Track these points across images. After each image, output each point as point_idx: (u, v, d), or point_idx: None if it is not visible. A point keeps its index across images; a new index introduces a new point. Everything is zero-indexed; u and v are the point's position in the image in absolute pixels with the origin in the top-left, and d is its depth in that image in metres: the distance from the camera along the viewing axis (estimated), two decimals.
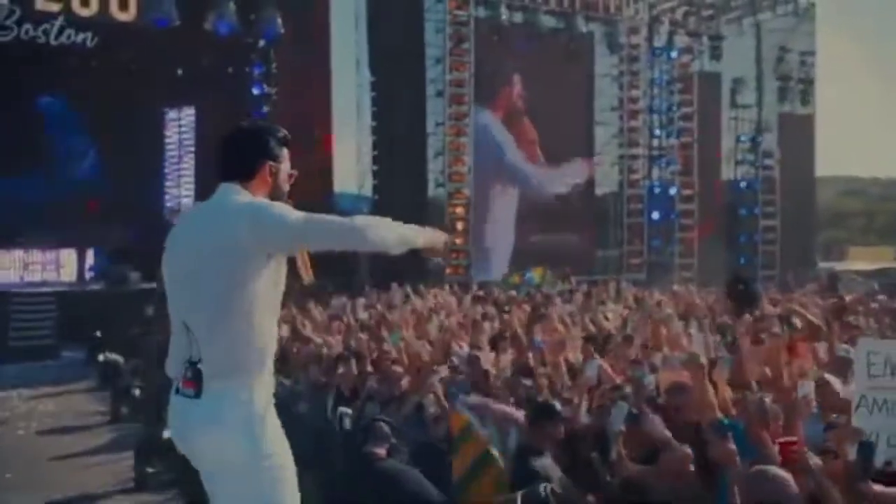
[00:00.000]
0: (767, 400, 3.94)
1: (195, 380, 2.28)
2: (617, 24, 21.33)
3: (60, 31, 14.38)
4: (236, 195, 2.43)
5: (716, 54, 23.43)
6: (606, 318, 8.03)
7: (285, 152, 2.56)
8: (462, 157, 18.62)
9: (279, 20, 16.52)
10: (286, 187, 2.55)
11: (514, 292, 11.83)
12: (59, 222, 16.62)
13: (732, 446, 3.57)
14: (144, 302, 14.01)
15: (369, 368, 6.74)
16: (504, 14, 19.21)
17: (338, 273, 16.47)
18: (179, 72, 16.99)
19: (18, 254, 16.64)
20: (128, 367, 10.54)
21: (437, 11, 18.49)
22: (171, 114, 19.45)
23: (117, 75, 16.01)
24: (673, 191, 22.57)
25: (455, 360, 6.29)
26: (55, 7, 14.24)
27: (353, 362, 6.85)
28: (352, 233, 2.35)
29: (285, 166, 2.55)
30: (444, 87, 18.35)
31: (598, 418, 4.49)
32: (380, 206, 18.38)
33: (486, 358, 6.13)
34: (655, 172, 22.91)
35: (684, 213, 22.73)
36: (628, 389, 4.63)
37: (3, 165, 15.76)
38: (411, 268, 16.64)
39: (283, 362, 7.92)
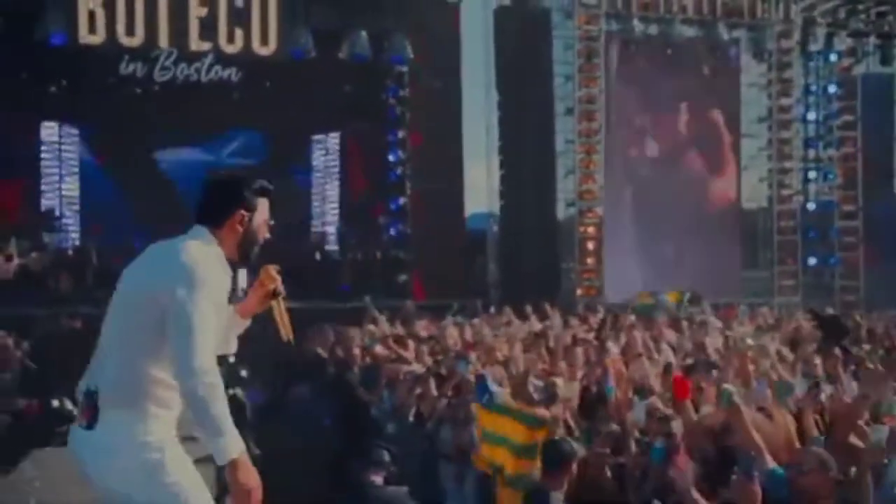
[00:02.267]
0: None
1: (90, 409, 2.36)
2: (764, 30, 20.11)
3: (210, 68, 15.60)
4: (196, 244, 2.59)
5: (887, 55, 21.47)
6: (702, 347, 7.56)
7: (262, 202, 2.71)
8: (593, 176, 18.25)
9: (408, 45, 17.02)
10: (261, 235, 2.71)
11: (631, 315, 11.37)
12: None
13: (757, 489, 3.26)
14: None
15: (449, 392, 6.76)
16: (637, 27, 18.67)
17: (466, 291, 16.67)
18: (323, 99, 17.90)
19: None
20: (256, 380, 11.18)
21: (565, 28, 18.32)
22: (317, 139, 20.57)
23: (262, 106, 17.20)
24: (832, 206, 20.87)
25: (531, 387, 6.19)
26: (206, 46, 15.48)
27: (432, 383, 6.89)
28: (197, 402, 2.42)
29: (260, 216, 2.69)
30: (574, 105, 18.11)
31: (640, 455, 4.27)
32: (508, 227, 18.40)
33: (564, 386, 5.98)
34: (812, 187, 21.30)
35: (845, 231, 20.91)
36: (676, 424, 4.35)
37: None
38: (544, 286, 16.51)
39: (375, 381, 8.12)
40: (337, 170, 20.27)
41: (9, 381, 10.05)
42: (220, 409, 2.39)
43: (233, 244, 2.66)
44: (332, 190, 20.47)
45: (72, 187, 19.01)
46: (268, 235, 2.74)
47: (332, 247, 19.63)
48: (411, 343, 8.43)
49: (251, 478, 2.43)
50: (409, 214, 18.06)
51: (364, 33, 16.58)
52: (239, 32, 15.52)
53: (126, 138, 18.23)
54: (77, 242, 18.03)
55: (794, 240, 20.53)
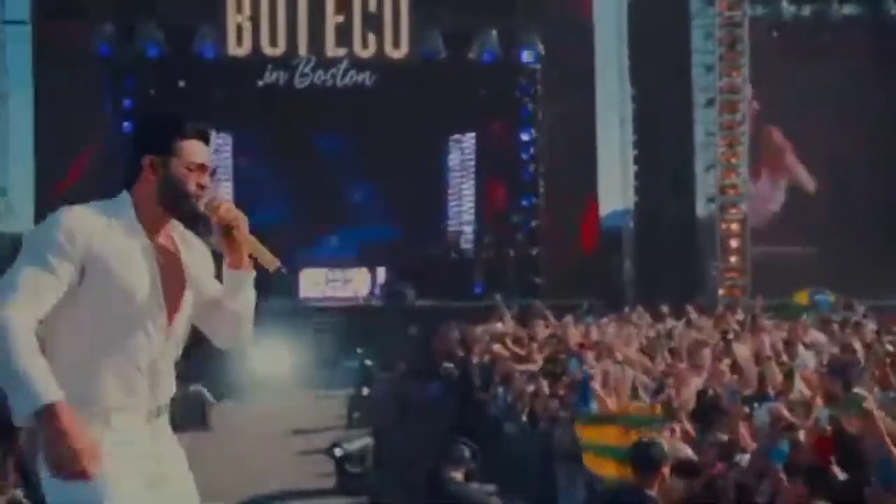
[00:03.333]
0: None
1: None
2: None
3: (345, 73, 16.16)
4: (75, 209, 2.14)
5: None
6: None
7: (187, 145, 2.19)
8: (736, 169, 17.26)
9: (539, 42, 16.84)
10: (188, 185, 2.17)
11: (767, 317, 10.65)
12: (353, 244, 18.71)
13: None
14: (415, 319, 15.23)
15: (561, 391, 6.62)
16: (787, 9, 17.47)
17: (600, 290, 16.28)
18: (456, 100, 18.11)
19: (324, 272, 18.84)
20: (384, 377, 11.49)
21: (706, 15, 17.45)
22: (453, 140, 20.82)
23: (396, 109, 17.62)
24: None
25: (642, 390, 5.96)
26: (341, 52, 16.06)
27: (544, 382, 6.77)
28: None
29: (182, 161, 2.18)
30: (716, 95, 17.21)
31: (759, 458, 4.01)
32: (644, 224, 17.76)
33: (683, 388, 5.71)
34: None
35: None
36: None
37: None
38: (683, 286, 15.85)
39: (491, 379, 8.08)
40: (472, 170, 20.43)
41: None
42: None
43: (152, 200, 2.18)
44: (468, 190, 20.65)
45: (226, 193, 20.39)
46: (206, 183, 2.21)
47: (467, 246, 19.81)
48: (531, 342, 8.33)
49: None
50: (542, 213, 17.88)
51: (494, 32, 16.59)
52: (372, 37, 15.98)
53: (272, 143, 19.34)
54: None
55: None
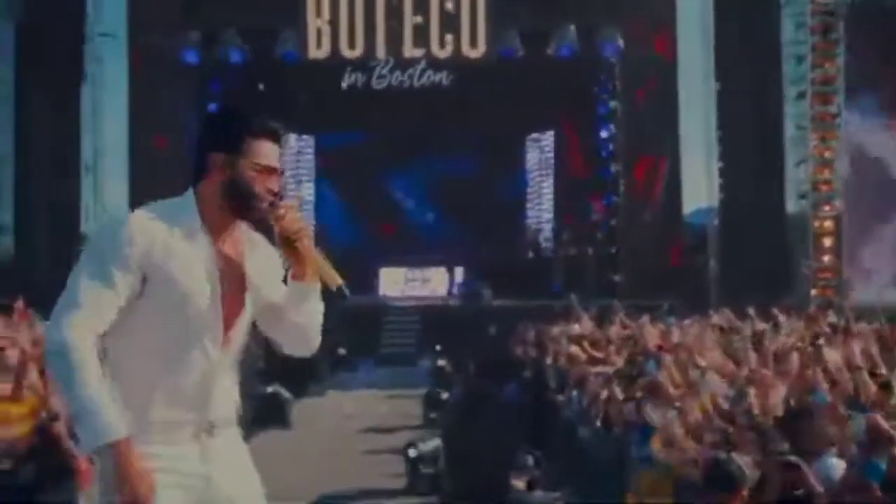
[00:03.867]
0: None
1: None
2: None
3: (422, 74, 16.22)
4: (142, 210, 2.06)
5: None
6: None
7: (257, 144, 2.05)
8: (830, 164, 16.43)
9: (620, 36, 16.47)
10: (257, 185, 2.04)
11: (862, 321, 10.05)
12: (433, 243, 18.79)
13: None
14: (492, 319, 15.15)
15: (638, 395, 6.41)
16: None
17: (684, 290, 15.79)
18: (534, 98, 17.94)
19: (403, 270, 18.98)
20: (459, 377, 11.44)
21: (797, 4, 16.66)
22: (532, 138, 20.64)
23: (474, 108, 17.59)
24: None
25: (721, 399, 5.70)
26: (419, 53, 16.13)
27: (617, 386, 6.59)
28: (52, 356, 1.95)
29: (250, 160, 2.04)
30: (807, 87, 16.42)
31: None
32: (729, 221, 17.10)
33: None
34: None
35: None
36: None
37: None
38: (773, 285, 15.21)
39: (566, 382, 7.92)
40: (551, 168, 20.21)
41: (247, 367, 11.19)
42: (73, 370, 1.88)
43: (217, 200, 2.05)
44: (547, 188, 20.44)
45: (308, 192, 20.81)
46: (274, 187, 2.07)
47: (545, 245, 19.60)
48: (608, 343, 8.12)
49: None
50: (622, 210, 17.50)
51: (572, 28, 16.32)
52: (449, 37, 15.98)
53: (351, 145, 19.65)
54: None
55: None
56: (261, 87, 17.44)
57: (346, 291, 2.11)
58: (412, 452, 6.93)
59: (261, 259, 2.18)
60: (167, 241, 2.02)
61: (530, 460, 4.03)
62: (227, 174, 2.05)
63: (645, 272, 16.49)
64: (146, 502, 1.89)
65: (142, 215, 2.04)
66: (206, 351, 2.05)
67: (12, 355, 7.87)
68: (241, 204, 2.06)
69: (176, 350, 2.03)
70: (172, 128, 16.71)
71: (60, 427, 5.42)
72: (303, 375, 11.39)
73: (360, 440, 8.63)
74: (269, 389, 9.67)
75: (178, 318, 2.02)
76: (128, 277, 1.98)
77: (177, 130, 16.80)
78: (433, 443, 7.04)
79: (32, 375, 6.82)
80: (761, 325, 9.97)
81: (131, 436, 1.90)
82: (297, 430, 9.00)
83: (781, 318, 10.38)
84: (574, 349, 8.58)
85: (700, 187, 17.72)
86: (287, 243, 2.10)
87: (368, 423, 9.38)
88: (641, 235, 17.04)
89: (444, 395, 9.54)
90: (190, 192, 2.09)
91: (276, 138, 2.10)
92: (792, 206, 17.00)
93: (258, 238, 2.20)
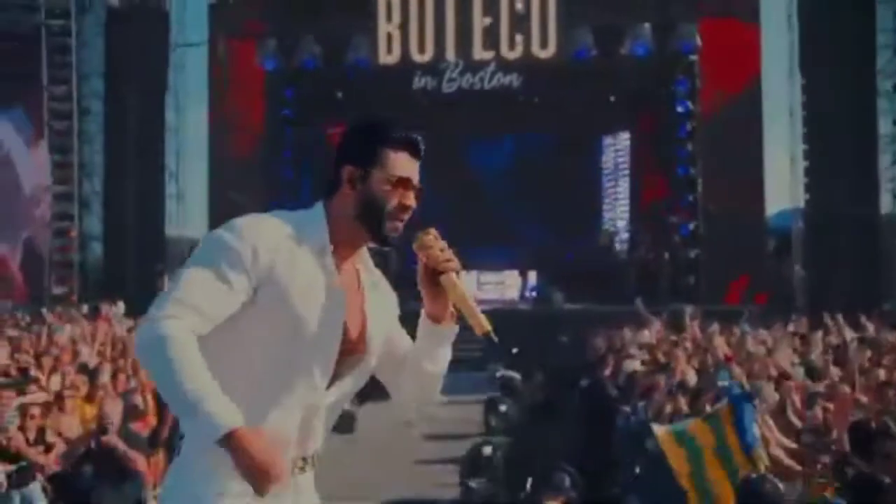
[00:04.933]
0: None
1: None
2: None
3: (492, 76, 16.07)
4: (269, 218, 1.84)
5: None
6: None
7: (393, 157, 1.86)
8: None
9: (697, 33, 15.90)
10: (391, 201, 1.85)
11: None
12: (505, 247, 18.61)
13: None
14: (563, 323, 14.84)
15: (707, 407, 6.09)
16: None
17: (767, 296, 15.13)
18: (608, 98, 17.56)
19: (475, 274, 18.88)
20: (524, 386, 11.22)
21: None
22: (607, 139, 20.21)
23: (545, 109, 17.33)
24: None
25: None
26: (488, 55, 15.99)
27: (683, 397, 6.28)
28: (148, 351, 1.71)
29: (385, 174, 1.85)
30: None
31: None
32: (816, 224, 16.27)
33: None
34: None
35: None
36: None
37: None
38: (863, 292, 14.39)
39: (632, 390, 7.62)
40: (626, 169, 19.76)
41: None
42: (166, 371, 1.67)
43: (348, 216, 1.86)
44: (622, 190, 19.98)
45: None
46: (411, 203, 1.88)
47: (621, 248, 19.15)
48: (677, 351, 7.76)
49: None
50: (701, 213, 16.88)
51: (647, 26, 15.85)
52: (519, 38, 15.78)
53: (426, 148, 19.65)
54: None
55: None
56: (335, 93, 17.69)
57: (495, 337, 1.83)
58: (467, 460, 6.82)
59: (384, 296, 1.97)
60: (293, 256, 1.80)
61: (567, 481, 3.82)
62: (360, 188, 1.85)
63: (724, 277, 15.88)
64: (280, 479, 1.69)
65: (269, 221, 1.83)
66: (313, 383, 1.83)
67: (90, 356, 8.19)
68: (371, 220, 1.86)
69: (280, 376, 1.81)
70: (250, 134, 17.16)
71: (112, 436, 5.55)
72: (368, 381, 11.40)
73: (417, 447, 8.54)
74: None
75: (290, 341, 1.80)
76: (243, 280, 1.75)
77: (255, 136, 17.26)
78: (488, 451, 6.89)
79: (105, 377, 7.07)
80: (849, 335, 9.39)
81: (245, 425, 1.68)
82: (358, 435, 8.96)
83: (870, 327, 9.76)
84: (640, 356, 8.29)
85: (784, 188, 16.94)
86: (432, 276, 1.87)
87: (428, 429, 9.27)
88: (721, 238, 16.39)
89: (507, 403, 9.36)
90: (319, 206, 1.89)
91: (415, 151, 1.90)
92: (886, 207, 16.02)
93: (378, 272, 1.98)
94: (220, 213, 15.39)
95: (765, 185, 16.85)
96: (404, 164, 1.87)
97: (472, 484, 6.38)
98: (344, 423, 9.35)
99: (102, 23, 18.54)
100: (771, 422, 4.75)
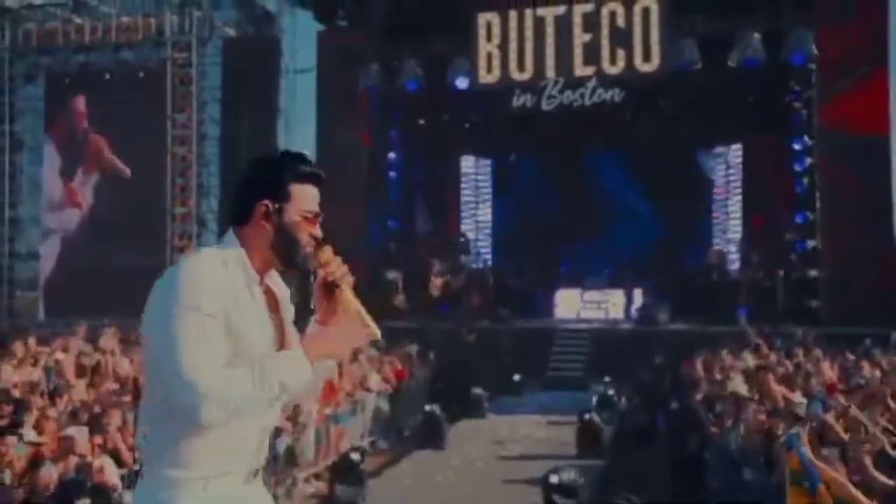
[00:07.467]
0: None
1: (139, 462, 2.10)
2: None
3: (593, 92, 15.83)
4: (203, 255, 2.01)
5: None
6: None
7: (300, 189, 2.02)
8: None
9: (813, 41, 15.08)
10: (300, 233, 2.02)
11: None
12: (610, 265, 18.26)
13: None
14: (665, 343, 14.34)
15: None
16: None
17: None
18: (717, 110, 16.97)
19: (578, 292, 18.61)
20: (625, 407, 10.91)
21: None
22: (716, 153, 19.50)
23: (650, 123, 16.91)
24: None
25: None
26: (589, 71, 15.77)
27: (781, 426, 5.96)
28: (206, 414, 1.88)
29: (296, 207, 2.01)
30: None
31: None
32: None
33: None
34: None
35: None
36: None
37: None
38: None
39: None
40: (738, 184, 18.99)
41: (414, 387, 11.38)
42: (245, 391, 1.87)
43: (264, 247, 2.01)
44: (734, 206, 19.21)
45: (485, 213, 21.08)
46: (317, 234, 2.03)
47: (732, 265, 18.35)
48: (768, 377, 7.34)
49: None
50: (819, 230, 15.92)
51: (757, 35, 15.17)
52: (621, 52, 15.50)
53: (525, 166, 19.66)
54: (489, 263, 19.86)
55: None
56: (438, 114, 17.94)
57: (383, 343, 2.18)
58: (552, 480, 6.68)
59: (286, 302, 2.16)
60: (234, 288, 1.98)
61: None
62: (274, 221, 2.01)
63: (848, 298, 14.85)
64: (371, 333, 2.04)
65: (210, 262, 1.99)
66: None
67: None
68: (289, 252, 2.03)
69: None
70: (356, 157, 17.62)
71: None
72: (462, 398, 11.42)
73: (504, 466, 8.44)
74: (427, 409, 9.77)
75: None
76: (220, 324, 1.94)
77: (361, 160, 17.71)
78: (575, 473, 6.74)
79: None
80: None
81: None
82: (448, 452, 8.97)
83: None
84: (739, 381, 7.90)
85: None
86: (328, 288, 2.05)
87: (519, 449, 9.17)
88: (844, 257, 15.36)
89: (601, 423, 9.12)
90: (234, 238, 2.04)
91: (318, 182, 2.08)
92: None
93: (283, 285, 2.17)
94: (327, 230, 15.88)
95: (893, 198, 15.70)
96: (314, 198, 2.05)
97: (560, 501, 6.25)
98: (434, 440, 9.43)
99: (220, 52, 19.62)
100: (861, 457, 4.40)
